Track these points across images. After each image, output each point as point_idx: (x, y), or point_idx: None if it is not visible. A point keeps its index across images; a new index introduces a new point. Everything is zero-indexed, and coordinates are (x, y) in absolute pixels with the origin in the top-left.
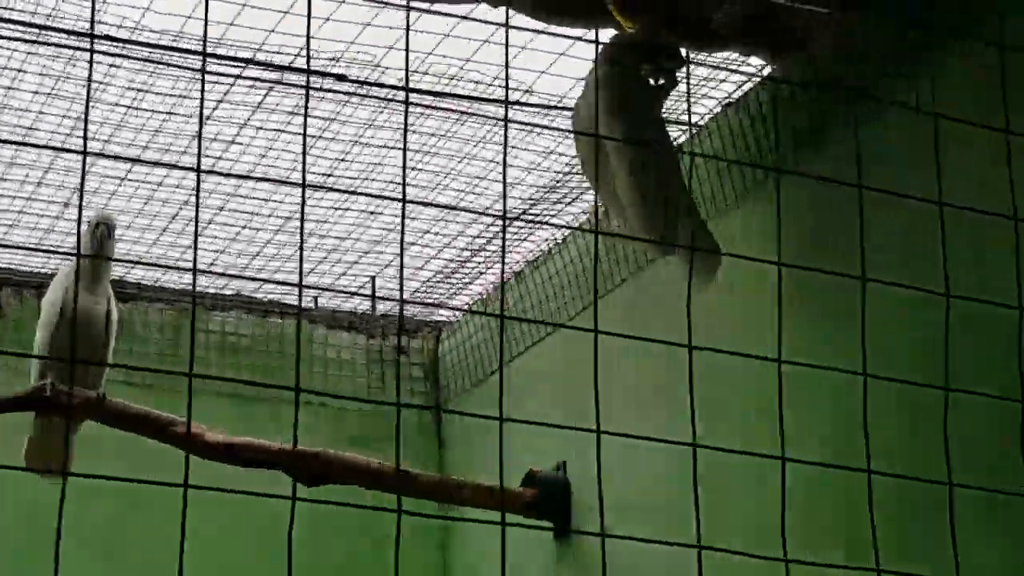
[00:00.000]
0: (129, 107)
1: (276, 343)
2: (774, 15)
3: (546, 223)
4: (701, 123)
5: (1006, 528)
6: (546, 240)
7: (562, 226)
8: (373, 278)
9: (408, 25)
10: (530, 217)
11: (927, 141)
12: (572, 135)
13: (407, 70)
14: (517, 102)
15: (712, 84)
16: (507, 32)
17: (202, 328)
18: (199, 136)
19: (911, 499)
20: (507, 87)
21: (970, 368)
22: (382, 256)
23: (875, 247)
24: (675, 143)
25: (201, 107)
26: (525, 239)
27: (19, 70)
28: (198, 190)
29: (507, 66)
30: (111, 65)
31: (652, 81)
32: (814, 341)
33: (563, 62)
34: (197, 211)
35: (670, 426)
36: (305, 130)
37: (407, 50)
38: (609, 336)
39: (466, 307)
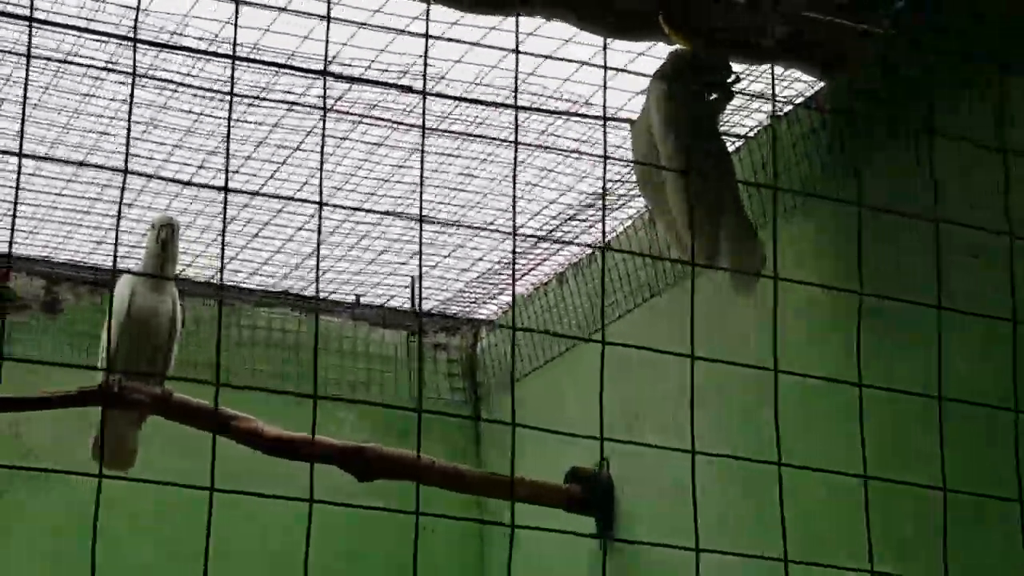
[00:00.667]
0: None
1: (323, 340)
2: (822, 32)
3: (559, 241)
4: (751, 135)
5: None
6: (583, 249)
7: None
8: (413, 278)
9: (517, 46)
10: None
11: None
12: (630, 146)
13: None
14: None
15: (763, 99)
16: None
17: (248, 324)
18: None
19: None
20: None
21: None
22: (426, 260)
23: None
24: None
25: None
26: (558, 251)
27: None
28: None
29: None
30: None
31: (707, 95)
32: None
33: (621, 77)
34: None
35: (714, 429)
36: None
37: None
38: (658, 339)
39: (501, 310)
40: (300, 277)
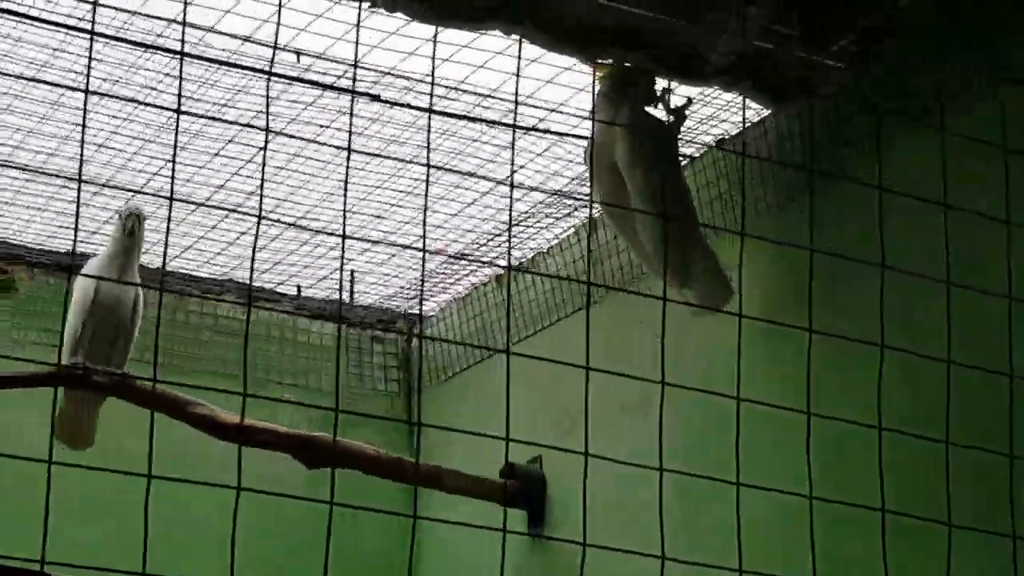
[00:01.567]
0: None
1: (264, 329)
2: (773, 60)
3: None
4: (696, 155)
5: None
6: (532, 249)
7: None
8: (352, 272)
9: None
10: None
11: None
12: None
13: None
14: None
15: (712, 123)
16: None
17: (196, 311)
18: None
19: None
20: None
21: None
22: (366, 252)
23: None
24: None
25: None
26: (503, 254)
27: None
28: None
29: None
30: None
31: (667, 120)
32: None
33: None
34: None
35: (646, 434)
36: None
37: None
38: (599, 345)
39: (439, 307)
40: (247, 268)
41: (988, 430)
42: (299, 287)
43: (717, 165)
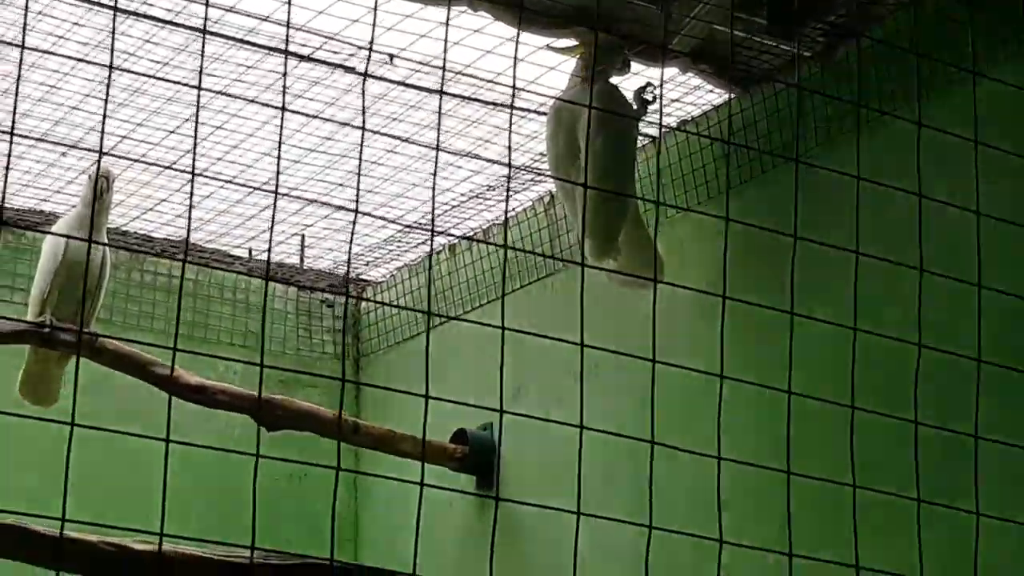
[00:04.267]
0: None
1: (217, 291)
2: (731, 47)
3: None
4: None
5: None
6: (490, 221)
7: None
8: (303, 236)
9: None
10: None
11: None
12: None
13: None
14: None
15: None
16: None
17: (151, 271)
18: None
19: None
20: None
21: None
22: (325, 219)
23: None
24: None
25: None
26: (463, 221)
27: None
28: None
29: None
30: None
31: (638, 102)
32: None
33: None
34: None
35: (595, 402)
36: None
37: None
38: (552, 314)
39: (389, 274)
40: (202, 229)
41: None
42: (250, 250)
43: (679, 146)
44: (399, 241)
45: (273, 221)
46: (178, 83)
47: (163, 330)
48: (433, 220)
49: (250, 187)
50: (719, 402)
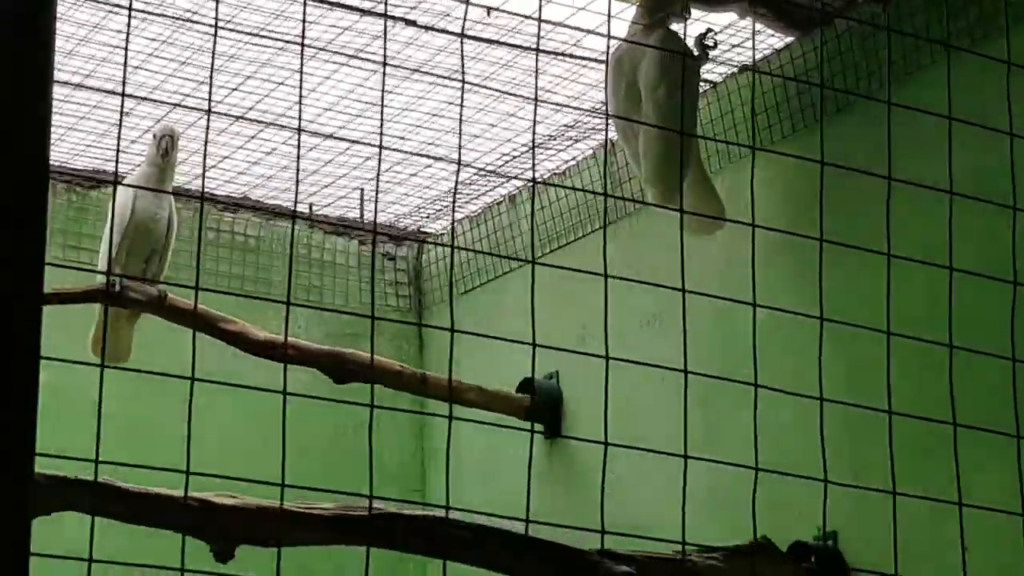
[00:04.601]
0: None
1: (281, 246)
2: None
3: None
4: (719, 80)
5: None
6: (551, 171)
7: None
8: (362, 190)
9: None
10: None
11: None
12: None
13: None
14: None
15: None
16: None
17: (213, 228)
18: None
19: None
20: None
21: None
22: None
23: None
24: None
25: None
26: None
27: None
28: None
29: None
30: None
31: (695, 50)
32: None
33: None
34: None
35: (658, 350)
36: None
37: None
38: (616, 262)
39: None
40: (264, 186)
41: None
42: (311, 205)
43: (741, 91)
44: (461, 191)
45: (379, 175)
46: (285, 40)
47: (228, 286)
48: (534, 165)
49: (350, 141)
50: (820, 344)
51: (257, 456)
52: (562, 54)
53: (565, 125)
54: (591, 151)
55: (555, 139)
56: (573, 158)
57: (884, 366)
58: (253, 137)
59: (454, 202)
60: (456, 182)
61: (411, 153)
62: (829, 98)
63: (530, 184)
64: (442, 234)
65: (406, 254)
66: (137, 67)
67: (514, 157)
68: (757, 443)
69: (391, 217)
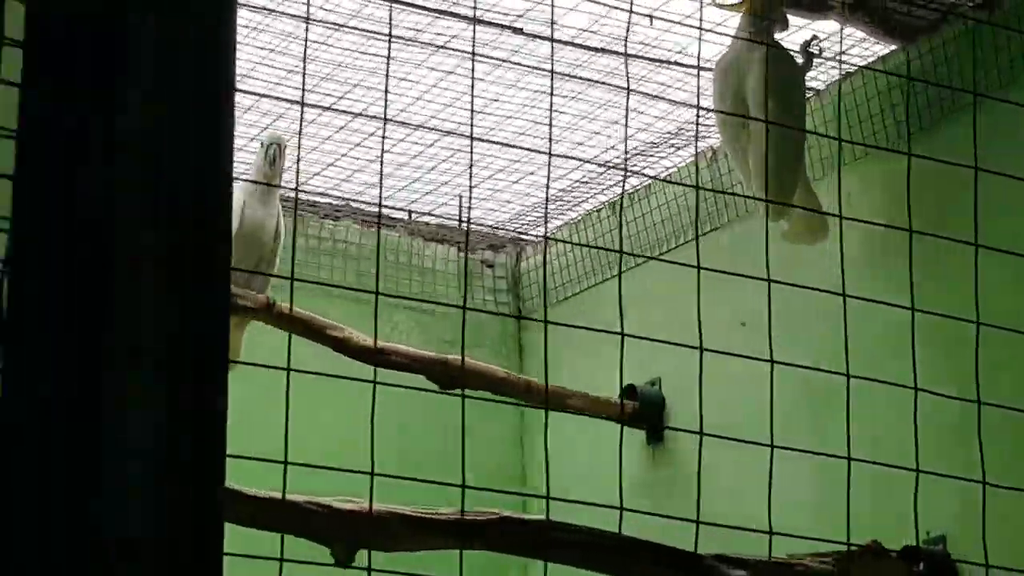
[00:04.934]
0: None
1: (380, 252)
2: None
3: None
4: (822, 87)
5: None
6: (647, 180)
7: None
8: (460, 196)
9: None
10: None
11: None
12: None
13: None
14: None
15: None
16: None
17: (314, 235)
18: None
19: None
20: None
21: None
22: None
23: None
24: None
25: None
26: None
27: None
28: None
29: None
30: None
31: (800, 58)
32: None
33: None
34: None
35: (761, 350)
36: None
37: None
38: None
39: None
40: (363, 194)
41: None
42: (410, 212)
43: (844, 98)
44: (560, 200)
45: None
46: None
47: (331, 293)
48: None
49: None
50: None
51: (361, 459)
52: (665, 61)
53: (666, 133)
54: (692, 157)
55: (657, 145)
56: (674, 164)
57: (997, 366)
58: (358, 144)
59: (547, 200)
60: (547, 187)
61: (584, 160)
62: (934, 104)
63: (630, 191)
64: (540, 241)
65: (504, 261)
66: (245, 75)
67: (612, 166)
68: (918, 445)
69: (487, 225)
